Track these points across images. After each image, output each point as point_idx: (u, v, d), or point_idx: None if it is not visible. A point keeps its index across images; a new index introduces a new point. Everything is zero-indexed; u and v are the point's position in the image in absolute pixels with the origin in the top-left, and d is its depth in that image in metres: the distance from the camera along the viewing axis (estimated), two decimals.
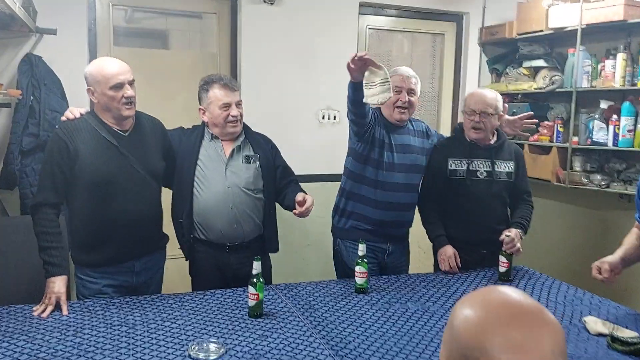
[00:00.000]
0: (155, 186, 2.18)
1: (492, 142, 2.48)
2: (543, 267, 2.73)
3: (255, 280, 1.87)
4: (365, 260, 2.16)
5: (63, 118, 2.08)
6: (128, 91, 2.01)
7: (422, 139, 2.54)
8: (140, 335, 1.72)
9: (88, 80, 2.02)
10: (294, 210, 2.24)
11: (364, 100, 2.08)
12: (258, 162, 2.32)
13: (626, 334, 1.76)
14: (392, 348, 1.69)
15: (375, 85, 2.02)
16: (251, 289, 1.87)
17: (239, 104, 2.29)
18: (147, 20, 3.53)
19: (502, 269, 2.35)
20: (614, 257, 1.99)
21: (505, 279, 2.34)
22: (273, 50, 3.48)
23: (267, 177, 2.33)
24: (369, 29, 3.84)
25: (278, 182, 2.39)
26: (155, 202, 2.19)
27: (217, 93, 2.25)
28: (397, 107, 2.38)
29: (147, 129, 2.17)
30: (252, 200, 2.29)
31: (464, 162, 2.45)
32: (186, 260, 2.37)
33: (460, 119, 4.01)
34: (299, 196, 2.22)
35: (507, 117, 2.60)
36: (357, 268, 2.16)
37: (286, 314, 1.93)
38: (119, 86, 1.99)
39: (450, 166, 2.46)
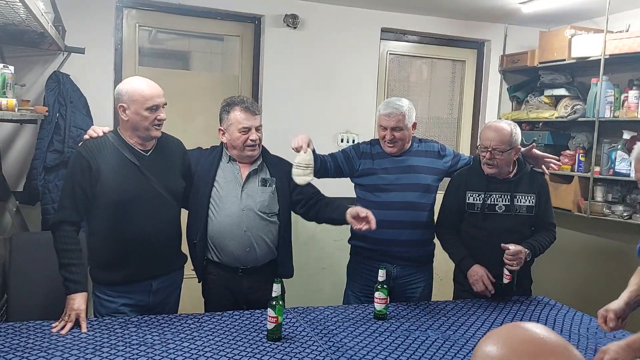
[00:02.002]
0: (175, 206, 2.19)
1: (512, 175, 2.44)
2: (563, 298, 2.67)
3: (274, 302, 1.85)
4: (385, 286, 2.13)
5: (86, 137, 2.10)
6: (162, 114, 2.05)
7: (433, 159, 2.54)
8: (159, 355, 1.70)
9: (123, 98, 2.03)
10: (357, 227, 2.15)
11: (292, 176, 2.27)
12: (274, 186, 2.30)
13: None
14: None
15: (300, 167, 2.26)
16: (270, 312, 1.85)
17: (258, 129, 2.28)
18: (170, 41, 3.60)
19: (505, 280, 2.33)
20: (619, 303, 1.86)
21: (508, 289, 2.34)
22: (294, 73, 3.52)
23: (283, 201, 2.31)
24: (390, 54, 3.87)
25: (302, 197, 2.34)
26: (174, 222, 2.20)
27: (237, 116, 2.24)
28: (385, 142, 2.49)
29: (168, 148, 2.19)
30: (266, 224, 2.27)
31: (482, 195, 2.42)
32: (199, 282, 2.36)
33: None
34: (361, 212, 2.14)
35: (535, 151, 2.57)
36: (376, 294, 2.14)
37: (304, 339, 1.90)
38: (155, 108, 2.03)
39: (468, 199, 2.44)
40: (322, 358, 1.75)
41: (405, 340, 1.94)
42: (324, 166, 2.46)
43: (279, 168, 2.36)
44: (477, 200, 2.42)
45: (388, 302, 2.17)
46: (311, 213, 2.34)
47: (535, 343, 0.72)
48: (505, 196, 2.41)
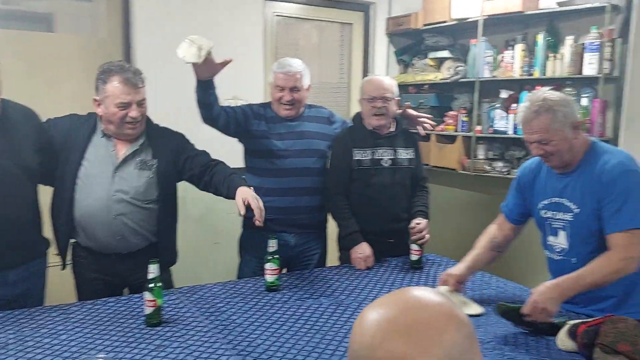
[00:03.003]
0: (29, 184, 1.90)
1: (393, 129, 2.49)
2: (449, 253, 2.76)
3: (151, 285, 1.68)
4: (276, 256, 2.04)
5: None
6: None
7: (323, 124, 2.51)
8: (13, 356, 1.47)
9: None
10: (243, 213, 1.93)
11: (177, 50, 2.04)
12: (154, 168, 2.04)
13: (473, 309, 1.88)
14: (305, 347, 1.58)
15: (195, 44, 2.05)
16: (147, 295, 1.68)
17: (141, 103, 2.00)
18: (29, 1, 3.14)
19: (414, 257, 2.34)
20: (461, 269, 1.97)
21: (417, 266, 2.35)
22: (170, 35, 3.20)
23: (165, 185, 2.06)
24: (276, 15, 3.70)
25: (193, 172, 2.11)
26: (29, 203, 1.92)
27: (115, 88, 1.94)
28: (281, 104, 2.39)
29: (15, 119, 1.86)
30: (140, 211, 2.01)
31: (368, 151, 2.43)
32: (62, 269, 2.08)
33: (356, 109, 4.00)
34: (252, 202, 1.92)
35: (410, 111, 2.61)
36: (267, 265, 2.04)
37: (188, 320, 1.75)
38: None
39: (355, 157, 2.43)
40: (208, 339, 1.62)
41: (298, 309, 1.87)
42: (227, 116, 2.31)
43: (163, 147, 2.09)
44: (364, 156, 2.43)
45: (280, 272, 2.08)
46: (201, 185, 2.14)
47: (406, 312, 0.69)
48: (389, 150, 2.46)
